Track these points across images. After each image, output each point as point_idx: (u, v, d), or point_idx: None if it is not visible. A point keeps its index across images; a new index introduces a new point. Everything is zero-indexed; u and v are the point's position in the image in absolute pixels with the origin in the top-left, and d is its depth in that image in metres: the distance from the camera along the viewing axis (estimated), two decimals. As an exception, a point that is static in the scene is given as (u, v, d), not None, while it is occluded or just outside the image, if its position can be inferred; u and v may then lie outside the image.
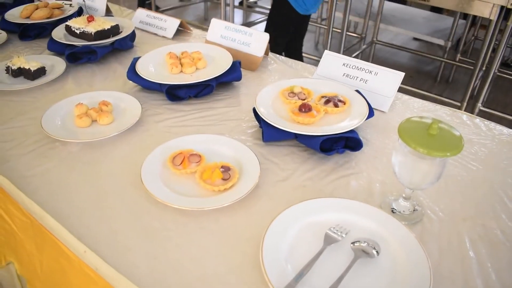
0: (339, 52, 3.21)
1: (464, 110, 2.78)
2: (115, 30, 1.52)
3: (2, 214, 1.04)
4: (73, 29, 1.51)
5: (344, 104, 1.15)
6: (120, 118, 1.14)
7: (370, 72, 1.32)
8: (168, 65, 1.31)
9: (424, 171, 0.80)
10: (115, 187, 0.94)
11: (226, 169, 0.94)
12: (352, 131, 1.06)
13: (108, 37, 1.50)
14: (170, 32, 1.67)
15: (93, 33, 1.46)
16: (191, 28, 1.75)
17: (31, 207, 0.90)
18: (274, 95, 1.20)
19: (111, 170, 0.99)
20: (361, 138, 1.06)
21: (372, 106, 1.20)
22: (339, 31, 4.06)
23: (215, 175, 0.92)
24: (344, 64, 1.36)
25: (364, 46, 3.74)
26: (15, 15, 1.71)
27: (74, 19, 1.54)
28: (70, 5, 1.79)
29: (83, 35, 1.49)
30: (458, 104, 2.85)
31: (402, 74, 1.30)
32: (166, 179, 0.94)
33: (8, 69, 1.34)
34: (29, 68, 1.31)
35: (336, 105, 1.14)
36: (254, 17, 4.67)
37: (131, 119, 1.12)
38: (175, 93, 1.24)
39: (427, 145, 0.74)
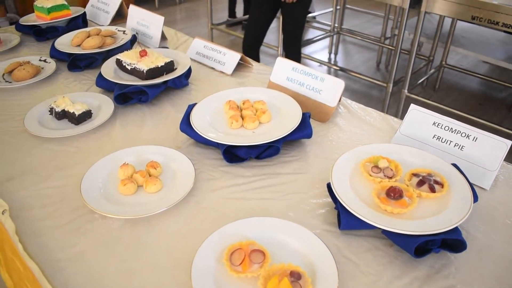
0: (406, 77, 2.95)
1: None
2: (169, 67, 1.37)
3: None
4: (124, 64, 1.37)
5: (442, 187, 0.93)
6: (169, 184, 0.98)
7: (468, 136, 1.09)
8: (228, 118, 1.13)
9: None
10: (158, 284, 0.77)
11: (296, 277, 0.75)
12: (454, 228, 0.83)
13: (162, 75, 1.35)
14: (229, 68, 1.50)
15: (145, 71, 1.31)
16: (252, 63, 1.57)
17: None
18: (353, 166, 0.99)
19: (155, 259, 0.82)
20: (463, 237, 0.83)
21: (470, 181, 0.97)
22: (404, 52, 3.81)
23: (283, 286, 0.73)
24: (434, 124, 1.13)
25: (432, 71, 3.43)
26: (65, 43, 1.61)
27: (126, 52, 1.40)
28: (124, 32, 1.66)
29: (135, 72, 1.35)
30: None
31: (509, 143, 1.06)
32: (221, 280, 0.76)
33: (52, 111, 1.22)
34: (73, 112, 1.18)
35: (432, 189, 0.92)
36: (312, 33, 4.44)
37: (182, 188, 0.95)
38: (234, 152, 1.06)
39: None
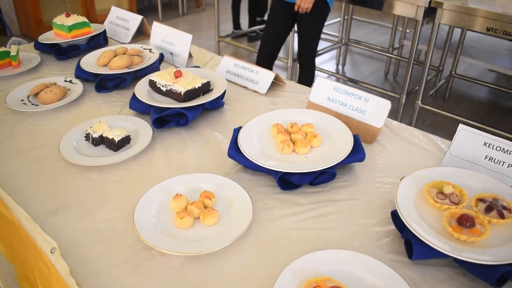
0: (420, 88, 2.94)
1: None
2: (206, 87, 1.33)
3: None
4: (158, 86, 1.32)
5: (510, 212, 0.89)
6: (226, 215, 0.93)
7: (523, 157, 1.05)
8: (278, 143, 1.09)
9: None
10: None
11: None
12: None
13: (199, 96, 1.31)
14: (264, 87, 1.46)
15: (182, 93, 1.26)
16: (285, 81, 1.53)
17: None
18: (416, 192, 0.95)
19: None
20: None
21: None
22: (406, 60, 3.78)
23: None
24: (485, 144, 1.10)
25: (443, 81, 3.42)
26: (90, 62, 1.56)
27: (159, 73, 1.35)
28: (150, 50, 1.62)
29: (171, 94, 1.30)
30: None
31: None
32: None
33: (88, 137, 1.17)
34: (112, 138, 1.13)
35: (501, 215, 0.89)
36: (320, 45, 4.42)
37: (241, 219, 0.90)
38: (287, 179, 1.02)
39: None
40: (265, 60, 2.83)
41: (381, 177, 1.09)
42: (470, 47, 3.59)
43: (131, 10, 5.16)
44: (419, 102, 2.97)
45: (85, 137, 1.18)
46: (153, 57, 1.56)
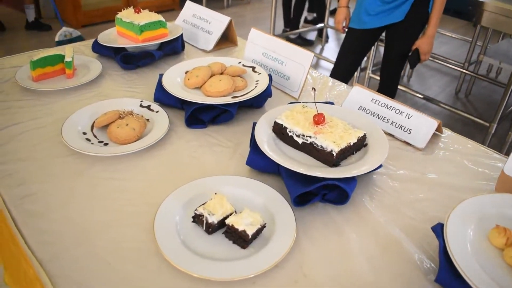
0: (499, 112, 2.50)
1: None
2: (360, 143, 0.89)
3: None
4: (289, 133, 0.89)
5: None
6: None
7: None
8: None
9: None
10: None
11: None
12: None
13: (351, 154, 0.87)
14: (420, 139, 1.02)
15: (335, 153, 0.83)
16: (443, 130, 1.09)
17: None
18: None
19: None
20: None
21: None
22: (483, 78, 3.34)
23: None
24: None
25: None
26: (174, 81, 1.12)
27: (288, 113, 0.92)
28: (253, 69, 1.18)
29: (311, 149, 0.87)
30: None
31: None
32: None
33: (198, 219, 0.74)
34: (244, 231, 0.70)
35: None
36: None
37: None
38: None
39: None
40: (340, 78, 2.39)
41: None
42: None
43: (173, -2, 4.71)
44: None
45: (192, 219, 0.76)
46: (262, 81, 1.13)
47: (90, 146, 0.94)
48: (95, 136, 0.99)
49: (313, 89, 0.94)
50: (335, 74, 2.41)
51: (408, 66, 3.65)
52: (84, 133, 1.00)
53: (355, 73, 3.12)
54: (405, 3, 2.03)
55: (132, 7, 1.40)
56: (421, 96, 3.05)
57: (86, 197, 0.83)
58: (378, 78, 2.90)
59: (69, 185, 0.86)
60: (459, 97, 3.57)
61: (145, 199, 0.83)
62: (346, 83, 2.51)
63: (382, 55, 2.34)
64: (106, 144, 0.97)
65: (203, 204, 0.75)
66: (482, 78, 3.45)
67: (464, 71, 3.45)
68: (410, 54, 2.18)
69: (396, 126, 1.07)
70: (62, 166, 0.91)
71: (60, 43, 3.43)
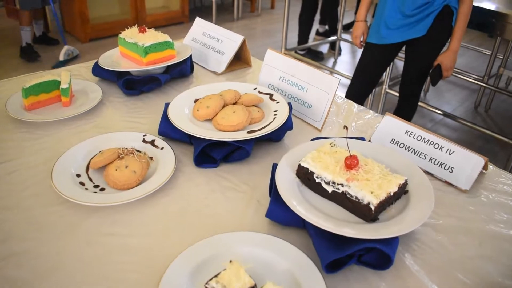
0: None
1: None
2: (401, 191, 0.75)
3: None
4: (317, 180, 0.76)
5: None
6: None
7: None
8: None
9: None
10: None
11: None
12: None
13: (391, 204, 0.73)
14: (466, 180, 0.88)
15: (373, 207, 0.69)
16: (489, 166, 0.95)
17: None
18: None
19: None
20: None
21: None
22: (505, 92, 3.21)
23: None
24: None
25: None
26: (181, 112, 1.00)
27: (314, 153, 0.79)
28: (271, 96, 1.05)
29: (343, 199, 0.73)
30: None
31: None
32: None
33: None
34: None
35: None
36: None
37: None
38: None
39: None
40: (357, 96, 2.25)
41: None
42: None
43: (182, 11, 4.62)
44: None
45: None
46: (281, 111, 0.99)
47: (84, 193, 0.81)
48: (91, 179, 0.86)
49: (345, 127, 0.80)
50: (351, 92, 2.27)
51: (425, 85, 3.53)
52: (78, 175, 0.87)
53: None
54: (428, 16, 1.90)
55: (136, 25, 1.28)
56: (440, 112, 2.90)
57: (78, 260, 0.70)
58: (395, 93, 2.76)
59: (60, 243, 0.73)
60: (478, 111, 3.41)
61: (148, 262, 0.70)
62: (364, 100, 2.39)
63: (402, 71, 2.21)
64: (102, 189, 0.84)
65: (215, 276, 0.62)
66: (503, 92, 3.30)
67: (484, 84, 3.30)
68: (431, 70, 2.05)
69: (436, 163, 0.93)
70: (53, 218, 0.78)
71: (63, 63, 3.36)
